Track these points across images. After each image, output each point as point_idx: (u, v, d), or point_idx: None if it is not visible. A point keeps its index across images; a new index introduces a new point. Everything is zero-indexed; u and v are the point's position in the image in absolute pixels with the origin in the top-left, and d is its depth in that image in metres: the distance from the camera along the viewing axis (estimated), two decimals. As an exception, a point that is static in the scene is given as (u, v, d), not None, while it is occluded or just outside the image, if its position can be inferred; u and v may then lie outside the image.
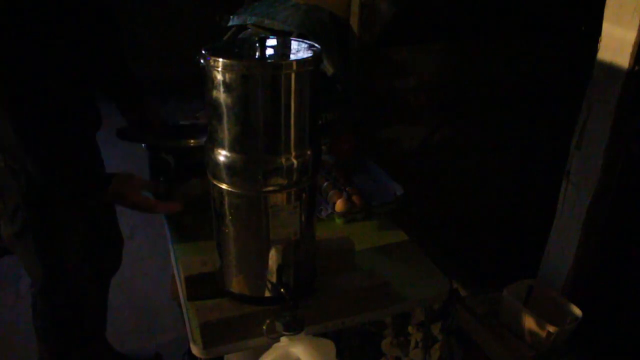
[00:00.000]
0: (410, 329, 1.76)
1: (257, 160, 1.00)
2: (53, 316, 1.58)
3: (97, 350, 1.79)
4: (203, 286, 1.18)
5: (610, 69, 1.08)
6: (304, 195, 1.07)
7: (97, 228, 1.60)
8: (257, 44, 1.02)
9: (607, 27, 1.08)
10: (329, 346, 1.03)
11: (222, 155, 1.01)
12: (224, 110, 0.97)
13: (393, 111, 2.09)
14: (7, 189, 1.35)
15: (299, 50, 1.06)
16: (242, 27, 2.12)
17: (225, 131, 0.99)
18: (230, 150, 1.00)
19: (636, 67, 1.04)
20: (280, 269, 1.10)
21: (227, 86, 0.94)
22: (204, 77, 0.98)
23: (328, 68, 1.94)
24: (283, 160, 1.01)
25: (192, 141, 1.41)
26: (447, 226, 2.15)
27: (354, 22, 1.95)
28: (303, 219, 1.09)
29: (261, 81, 0.94)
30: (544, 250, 1.34)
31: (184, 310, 1.20)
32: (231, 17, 2.19)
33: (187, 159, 1.41)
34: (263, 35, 1.99)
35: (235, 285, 1.14)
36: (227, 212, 1.07)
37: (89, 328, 1.68)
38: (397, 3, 1.95)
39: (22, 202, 1.36)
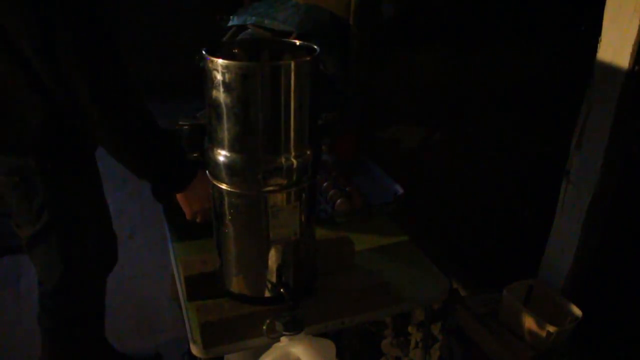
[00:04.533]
0: (410, 329, 1.76)
1: (257, 160, 1.00)
2: (62, 314, 1.58)
3: (97, 350, 1.79)
4: (203, 286, 1.18)
5: (610, 69, 1.08)
6: (304, 195, 1.07)
7: (103, 225, 1.61)
8: (257, 44, 1.02)
9: (607, 27, 1.08)
10: (329, 346, 1.03)
11: (222, 155, 1.01)
12: (224, 110, 0.97)
13: (393, 111, 2.09)
14: (34, 189, 1.35)
15: (299, 50, 1.06)
16: (242, 27, 2.12)
17: (225, 131, 0.99)
18: (230, 150, 1.00)
19: (636, 67, 1.04)
20: (280, 269, 1.10)
21: (227, 86, 0.94)
22: (204, 77, 0.98)
23: (328, 68, 1.94)
24: (283, 160, 1.01)
25: None
26: (447, 226, 2.15)
27: (354, 22, 1.95)
28: (303, 219, 1.09)
29: (261, 81, 0.94)
30: (544, 250, 1.34)
31: (184, 310, 1.20)
32: (231, 17, 2.19)
33: None
34: (263, 35, 1.99)
35: (235, 285, 1.14)
36: (227, 212, 1.07)
37: (90, 327, 1.69)
38: (397, 3, 1.95)
39: (46, 201, 1.36)
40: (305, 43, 1.07)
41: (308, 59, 0.98)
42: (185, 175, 1.26)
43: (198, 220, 1.33)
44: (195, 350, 1.11)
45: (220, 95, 0.95)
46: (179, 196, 1.30)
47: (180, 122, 1.64)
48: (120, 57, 1.13)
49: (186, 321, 1.17)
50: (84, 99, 1.10)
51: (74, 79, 1.08)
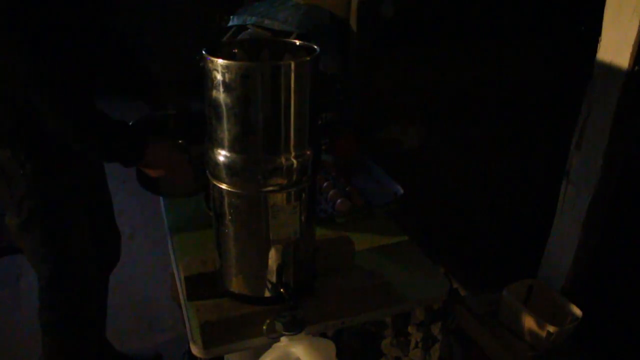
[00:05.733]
0: (410, 329, 1.76)
1: (257, 160, 1.00)
2: (60, 309, 1.58)
3: (97, 350, 1.79)
4: (203, 286, 1.18)
5: (610, 69, 1.08)
6: (304, 195, 1.07)
7: (98, 221, 1.61)
8: (257, 44, 1.02)
9: (607, 27, 1.08)
10: (329, 346, 1.03)
11: (222, 155, 1.01)
12: (224, 110, 0.97)
13: (393, 111, 2.09)
14: (13, 180, 1.37)
15: (299, 50, 1.06)
16: (242, 27, 2.12)
17: (225, 131, 0.99)
18: (230, 150, 1.00)
19: (636, 67, 1.04)
20: (280, 269, 1.10)
21: (227, 86, 0.94)
22: (204, 77, 0.98)
23: (328, 68, 1.94)
24: (283, 160, 1.01)
25: None
26: (447, 226, 2.15)
27: (354, 22, 1.95)
28: (303, 219, 1.09)
29: (261, 81, 0.94)
30: (544, 250, 1.34)
31: (184, 310, 1.20)
32: (231, 17, 2.19)
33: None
34: (263, 35, 1.99)
35: (235, 285, 1.14)
36: (227, 212, 1.07)
37: (91, 325, 1.69)
38: (397, 3, 1.96)
39: (27, 192, 1.37)
40: (305, 43, 1.06)
41: (308, 59, 0.98)
42: (135, 153, 1.32)
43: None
44: (195, 350, 1.11)
45: (220, 95, 0.95)
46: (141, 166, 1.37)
47: (169, 110, 1.64)
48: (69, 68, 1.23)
49: (186, 321, 1.17)
50: (42, 107, 1.20)
51: (34, 96, 1.19)
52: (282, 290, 1.09)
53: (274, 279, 1.11)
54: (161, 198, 1.67)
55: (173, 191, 1.54)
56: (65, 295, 1.56)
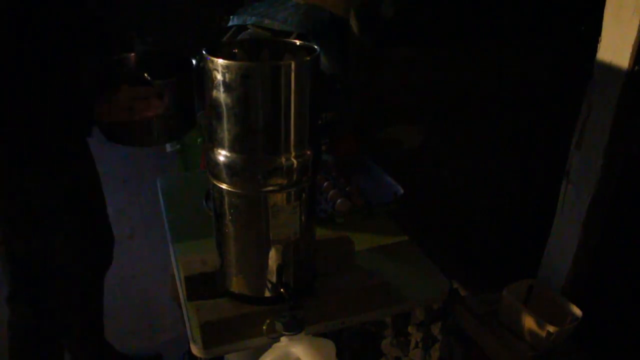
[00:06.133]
0: (410, 329, 1.76)
1: (257, 160, 1.00)
2: (18, 326, 1.51)
3: (97, 350, 1.79)
4: (203, 286, 1.18)
5: (610, 69, 1.08)
6: (304, 195, 1.07)
7: (89, 223, 1.56)
8: (257, 44, 1.02)
9: (607, 27, 1.08)
10: (329, 346, 1.03)
11: (222, 155, 1.01)
12: (224, 110, 0.97)
13: (393, 111, 2.09)
14: None
15: (299, 50, 1.06)
16: (242, 27, 2.12)
17: (225, 131, 0.99)
18: (230, 150, 1.00)
19: (636, 67, 1.04)
20: (280, 269, 1.10)
21: (227, 86, 0.94)
22: (204, 77, 0.98)
23: (328, 68, 1.94)
24: (283, 160, 1.01)
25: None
26: (447, 226, 2.14)
27: (354, 22, 1.95)
28: (303, 219, 1.09)
29: (261, 81, 0.94)
30: (544, 250, 1.34)
31: (184, 310, 1.20)
32: (231, 17, 2.19)
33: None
34: (263, 35, 1.99)
35: (235, 285, 1.14)
36: (227, 212, 1.07)
37: (91, 324, 1.66)
38: (397, 3, 1.95)
39: None
40: (305, 43, 1.07)
41: (308, 59, 0.98)
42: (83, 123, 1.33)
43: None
44: (195, 350, 1.11)
45: (220, 95, 0.95)
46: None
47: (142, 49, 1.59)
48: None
49: (186, 321, 1.17)
50: None
51: None
52: (282, 290, 1.09)
53: (274, 279, 1.11)
54: (161, 198, 1.67)
55: (143, 138, 1.42)
56: (22, 310, 1.48)
